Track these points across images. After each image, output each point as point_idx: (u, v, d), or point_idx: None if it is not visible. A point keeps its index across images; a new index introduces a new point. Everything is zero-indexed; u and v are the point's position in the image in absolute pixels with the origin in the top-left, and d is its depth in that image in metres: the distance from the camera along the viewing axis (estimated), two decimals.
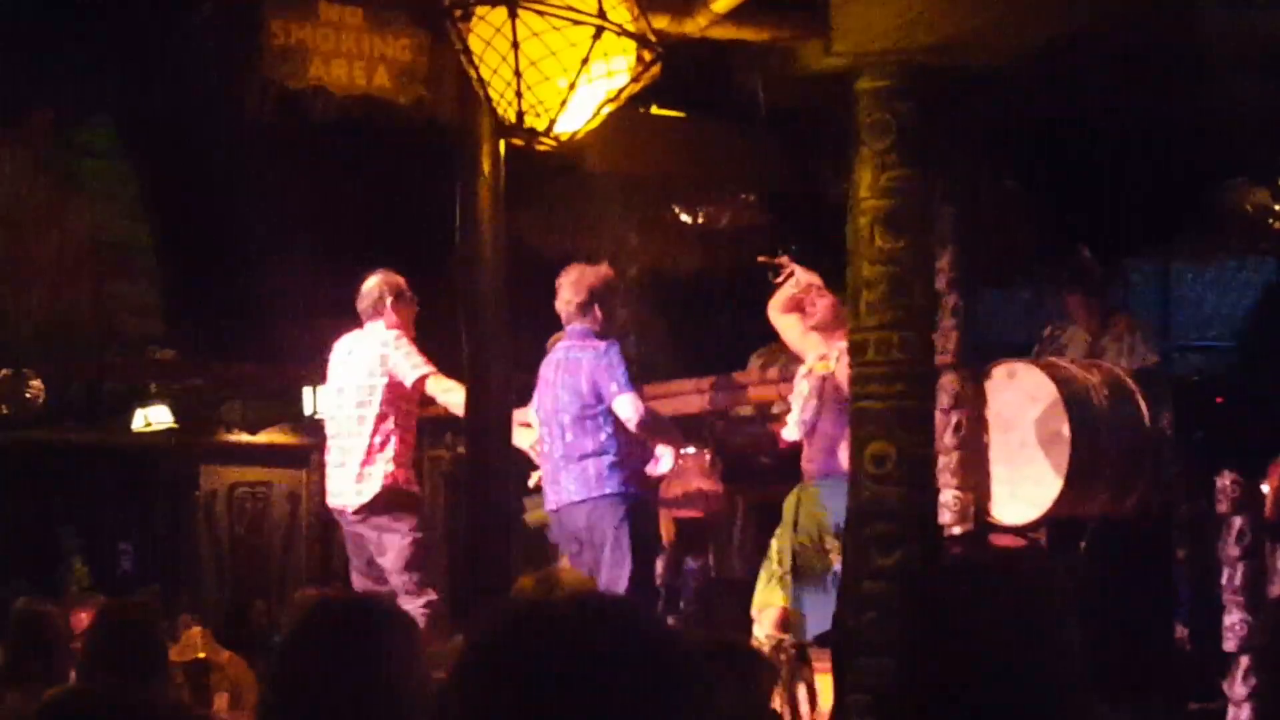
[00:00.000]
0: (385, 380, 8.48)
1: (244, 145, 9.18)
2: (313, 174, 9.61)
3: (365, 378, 8.54)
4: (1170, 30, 7.02)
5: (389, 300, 8.56)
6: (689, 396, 9.69)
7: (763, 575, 8.32)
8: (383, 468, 8.46)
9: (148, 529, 16.87)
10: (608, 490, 7.93)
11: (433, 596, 8.34)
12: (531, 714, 1.76)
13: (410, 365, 8.38)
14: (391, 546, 8.45)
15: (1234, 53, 7.27)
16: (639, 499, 8.13)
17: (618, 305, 8.18)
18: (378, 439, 8.48)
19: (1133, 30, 6.80)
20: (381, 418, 8.48)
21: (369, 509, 8.46)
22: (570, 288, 8.19)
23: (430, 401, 8.56)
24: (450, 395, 8.12)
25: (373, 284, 8.64)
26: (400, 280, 8.64)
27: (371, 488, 8.45)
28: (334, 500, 8.69)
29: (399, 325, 8.55)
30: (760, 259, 8.62)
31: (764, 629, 8.19)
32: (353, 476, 8.52)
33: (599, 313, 8.13)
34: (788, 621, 8.15)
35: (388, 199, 9.98)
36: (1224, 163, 9.36)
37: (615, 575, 7.77)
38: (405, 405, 8.53)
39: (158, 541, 16.86)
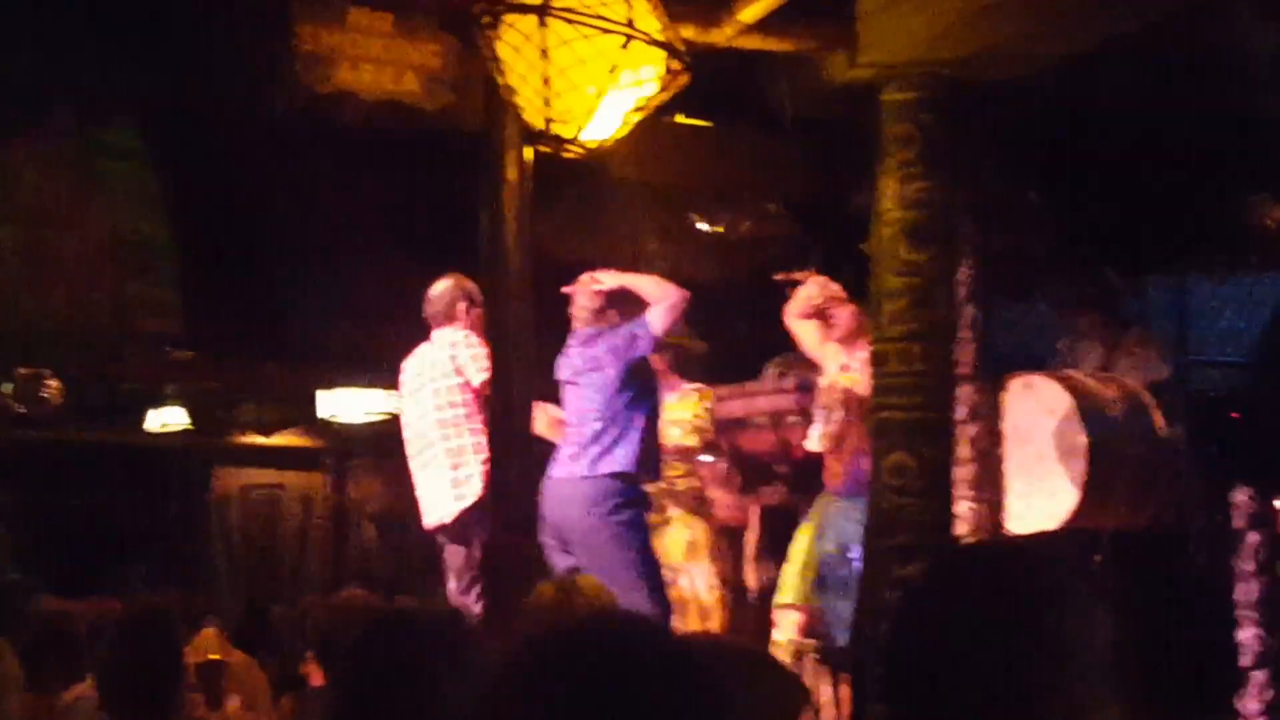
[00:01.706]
0: (461, 380, 8.30)
1: (267, 147, 9.18)
2: (336, 177, 9.61)
3: (442, 381, 8.35)
4: (1198, 44, 7.03)
5: (462, 306, 8.41)
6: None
7: (784, 574, 8.34)
8: (479, 468, 8.30)
9: (161, 530, 16.91)
10: (617, 469, 7.93)
11: None
12: None
13: (477, 367, 8.19)
14: (477, 551, 8.25)
15: (1263, 66, 7.28)
16: (643, 501, 8.15)
17: (631, 313, 8.19)
18: (471, 439, 8.29)
19: (1160, 43, 6.81)
20: (469, 418, 8.29)
21: (471, 511, 8.21)
22: (586, 294, 8.23)
23: None
24: None
25: (444, 289, 8.41)
26: (472, 284, 8.44)
27: (473, 490, 8.18)
28: (432, 518, 8.40)
29: (470, 329, 8.39)
30: (778, 276, 8.64)
31: (785, 633, 8.20)
32: (449, 483, 8.27)
33: (615, 318, 8.16)
34: (812, 626, 8.17)
35: (413, 203, 9.97)
36: (1245, 178, 9.34)
37: (630, 586, 7.76)
38: (484, 403, 8.35)
39: (170, 543, 16.90)
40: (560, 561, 7.97)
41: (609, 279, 8.23)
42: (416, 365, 8.55)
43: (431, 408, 8.36)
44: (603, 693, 1.78)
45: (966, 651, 2.13)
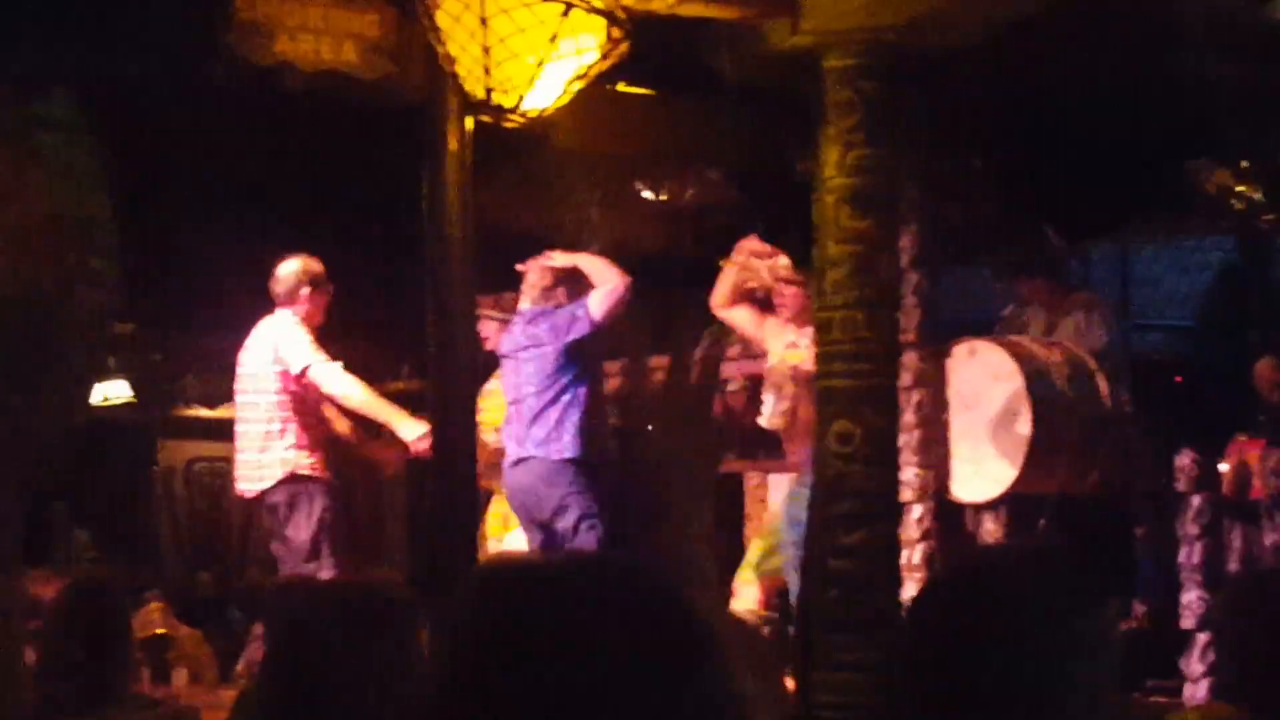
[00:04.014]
0: (280, 367, 8.42)
1: (207, 119, 9.13)
2: (277, 148, 9.56)
3: (263, 365, 8.47)
4: (1138, 8, 7.04)
5: (306, 290, 8.48)
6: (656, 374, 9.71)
7: (751, 546, 8.39)
8: (279, 454, 8.38)
9: (105, 504, 16.79)
10: (568, 455, 8.02)
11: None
12: (535, 682, 1.63)
13: (295, 355, 8.30)
14: (294, 532, 8.38)
15: (1200, 31, 7.30)
16: (599, 468, 8.21)
17: (581, 292, 8.25)
18: (274, 425, 8.40)
19: (1100, 8, 6.82)
20: (279, 404, 8.39)
21: (268, 495, 8.41)
22: (538, 271, 8.28)
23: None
24: (335, 386, 8.16)
25: (290, 271, 8.55)
26: (319, 267, 8.55)
27: (271, 474, 8.40)
28: (239, 485, 8.73)
29: (311, 314, 8.47)
30: (722, 264, 8.69)
31: (745, 603, 8.21)
32: (252, 463, 8.52)
33: (563, 297, 8.22)
34: (770, 599, 8.22)
35: (354, 173, 9.94)
36: (1188, 142, 9.39)
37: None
38: (303, 391, 8.44)
39: (115, 516, 16.77)
40: (534, 540, 8.06)
41: (560, 258, 8.26)
42: (252, 342, 8.60)
43: (250, 388, 8.48)
44: (578, 634, 1.65)
45: (981, 652, 2.19)
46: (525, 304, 8.43)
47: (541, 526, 8.10)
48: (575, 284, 8.26)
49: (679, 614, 1.72)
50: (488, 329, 8.48)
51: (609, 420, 8.91)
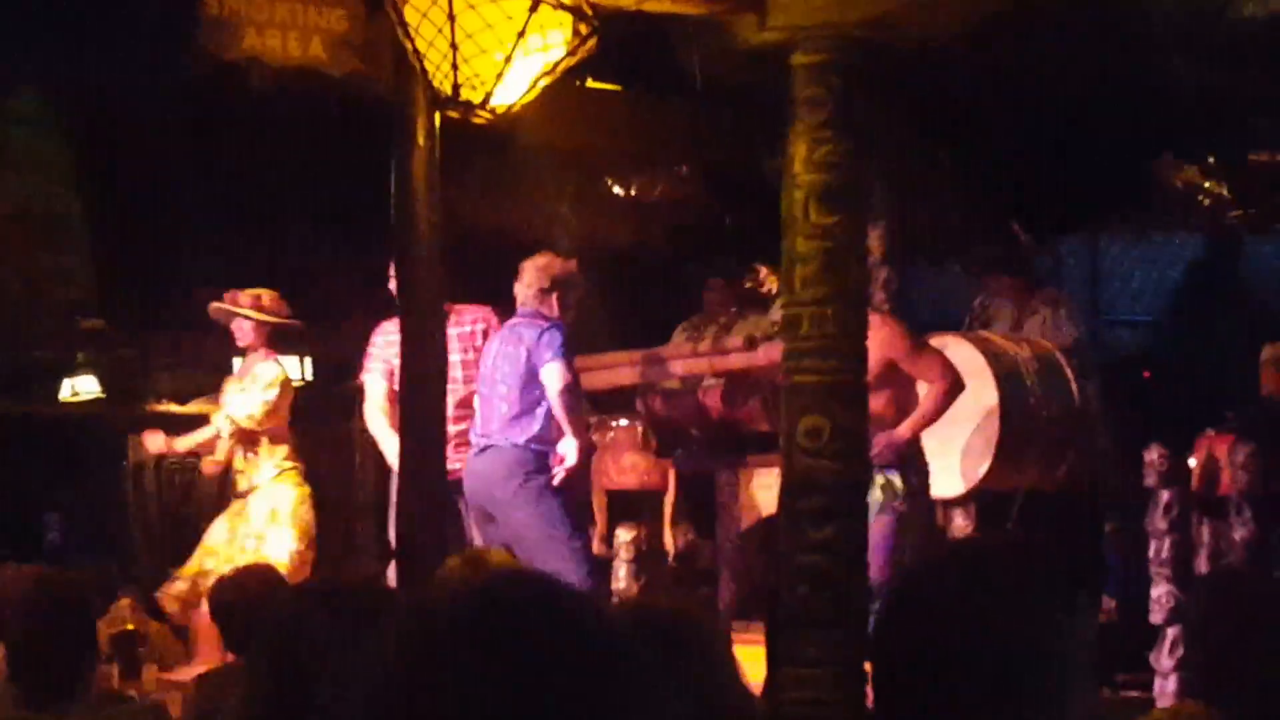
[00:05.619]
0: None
1: (177, 114, 9.13)
2: (247, 144, 9.56)
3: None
4: (1107, 7, 7.06)
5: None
6: (621, 369, 9.69)
7: None
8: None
9: (75, 500, 16.76)
10: (534, 433, 8.00)
11: None
12: (460, 706, 1.68)
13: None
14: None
15: (1169, 29, 7.32)
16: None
17: (575, 299, 8.25)
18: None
19: (1070, 7, 6.84)
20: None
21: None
22: (534, 272, 8.26)
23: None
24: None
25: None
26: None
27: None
28: None
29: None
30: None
31: None
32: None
33: (555, 302, 8.20)
34: None
35: (323, 170, 9.94)
36: (1155, 139, 9.42)
37: (549, 549, 7.81)
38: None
39: (86, 513, 16.74)
40: (487, 536, 8.03)
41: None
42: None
43: None
44: (508, 650, 1.70)
45: (953, 645, 2.19)
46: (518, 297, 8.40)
47: (490, 521, 8.09)
48: (569, 290, 8.26)
49: (589, 629, 1.76)
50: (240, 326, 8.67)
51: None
